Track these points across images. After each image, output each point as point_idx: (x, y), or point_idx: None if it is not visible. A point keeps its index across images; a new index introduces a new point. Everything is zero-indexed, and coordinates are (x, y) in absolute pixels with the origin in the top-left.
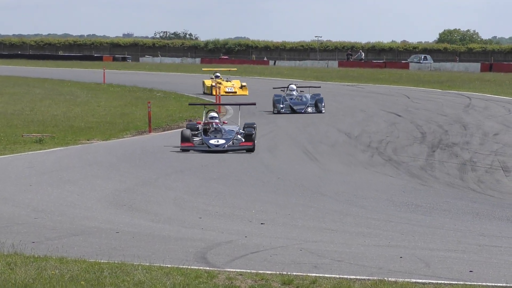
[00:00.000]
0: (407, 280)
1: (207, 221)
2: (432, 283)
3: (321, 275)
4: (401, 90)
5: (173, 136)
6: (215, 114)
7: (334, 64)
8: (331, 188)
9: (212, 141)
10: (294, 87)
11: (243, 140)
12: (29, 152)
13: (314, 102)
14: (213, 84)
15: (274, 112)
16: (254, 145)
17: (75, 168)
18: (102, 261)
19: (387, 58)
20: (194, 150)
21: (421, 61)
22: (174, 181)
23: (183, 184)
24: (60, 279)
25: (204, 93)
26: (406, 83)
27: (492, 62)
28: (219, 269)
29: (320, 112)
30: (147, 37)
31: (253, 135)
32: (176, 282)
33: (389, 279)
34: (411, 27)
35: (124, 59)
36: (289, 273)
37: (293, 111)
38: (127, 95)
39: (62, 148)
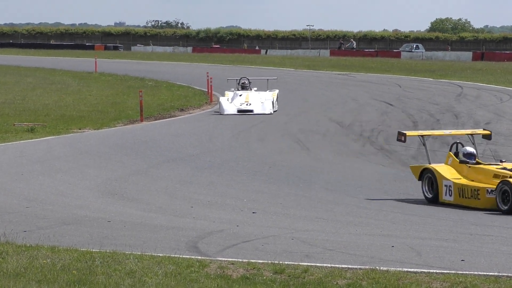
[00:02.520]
0: (398, 269)
1: (198, 210)
2: (424, 272)
3: (312, 264)
4: (392, 79)
5: (166, 125)
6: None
7: (325, 53)
8: (323, 177)
9: None
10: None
11: None
12: (20, 141)
13: None
14: None
15: None
16: None
17: (66, 157)
18: (93, 250)
19: (379, 47)
20: None
21: (412, 50)
22: (166, 171)
23: (174, 173)
24: (51, 268)
25: None
26: (397, 72)
27: (483, 51)
28: (210, 258)
29: None
30: (138, 26)
31: None
32: (168, 271)
33: (381, 268)
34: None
35: (115, 48)
36: (280, 262)
37: None
38: (119, 84)
39: (53, 137)
